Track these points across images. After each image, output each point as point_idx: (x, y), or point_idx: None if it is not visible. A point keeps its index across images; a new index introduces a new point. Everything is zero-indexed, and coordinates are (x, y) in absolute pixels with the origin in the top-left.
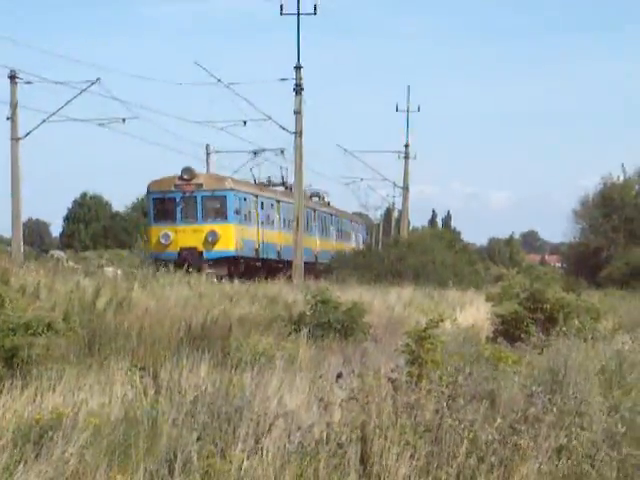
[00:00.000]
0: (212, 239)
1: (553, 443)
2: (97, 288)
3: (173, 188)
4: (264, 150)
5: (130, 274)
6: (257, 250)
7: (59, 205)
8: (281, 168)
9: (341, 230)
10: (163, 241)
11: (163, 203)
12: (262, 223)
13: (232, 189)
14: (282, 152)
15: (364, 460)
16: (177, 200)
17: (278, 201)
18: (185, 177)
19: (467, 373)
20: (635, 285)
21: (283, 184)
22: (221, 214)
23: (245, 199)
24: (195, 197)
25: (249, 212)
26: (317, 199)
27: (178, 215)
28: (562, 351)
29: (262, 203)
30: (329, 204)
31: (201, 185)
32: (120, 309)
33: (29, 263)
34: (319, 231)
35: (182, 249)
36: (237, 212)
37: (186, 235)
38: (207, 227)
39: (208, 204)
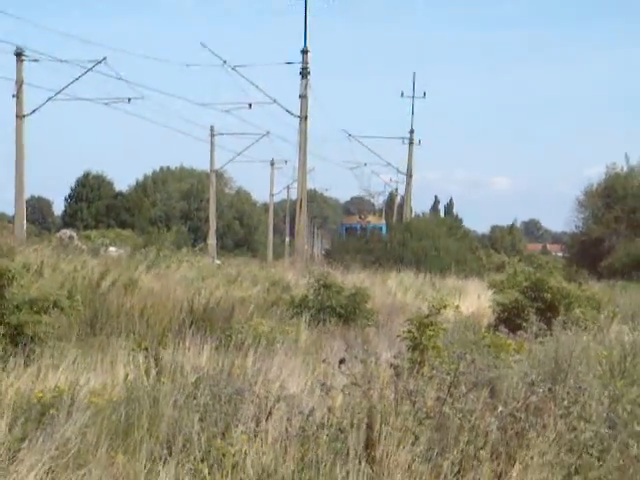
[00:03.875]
0: None
1: (554, 432)
2: (105, 269)
3: (356, 222)
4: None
5: (135, 255)
6: None
7: (62, 183)
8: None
9: None
10: None
11: (350, 230)
12: None
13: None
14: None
15: (368, 446)
16: (358, 229)
17: None
18: (361, 217)
19: (470, 361)
20: (636, 275)
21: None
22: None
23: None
24: (366, 227)
25: None
26: None
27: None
28: (562, 340)
29: None
30: None
31: (369, 221)
32: (124, 290)
33: (38, 241)
34: None
35: None
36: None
37: None
38: None
39: (374, 231)
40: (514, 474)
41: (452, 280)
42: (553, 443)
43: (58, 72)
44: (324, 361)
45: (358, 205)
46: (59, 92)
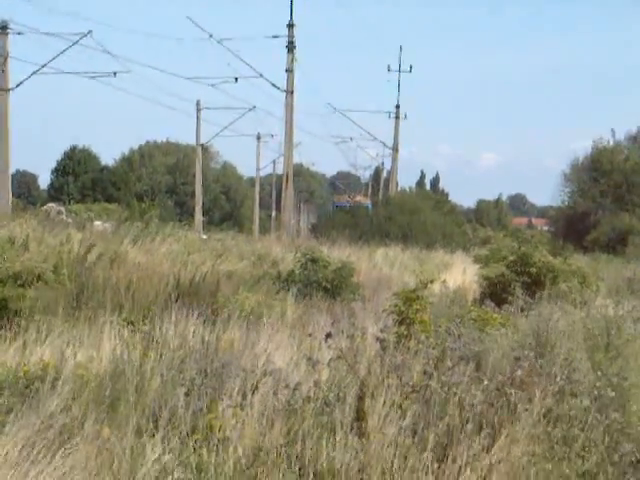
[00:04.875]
0: None
1: (540, 406)
2: (90, 243)
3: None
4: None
5: (120, 228)
6: None
7: (47, 158)
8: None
9: None
10: None
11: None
12: None
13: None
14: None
15: (359, 418)
16: (347, 207)
17: None
18: (350, 196)
19: (456, 335)
20: (621, 250)
21: None
22: None
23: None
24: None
25: None
26: None
27: None
28: (545, 314)
29: None
30: None
31: (358, 200)
32: (110, 264)
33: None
34: None
35: None
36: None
37: None
38: None
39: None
40: (500, 447)
41: (438, 254)
42: (538, 416)
43: (43, 46)
44: (310, 335)
45: (344, 180)
46: (44, 66)
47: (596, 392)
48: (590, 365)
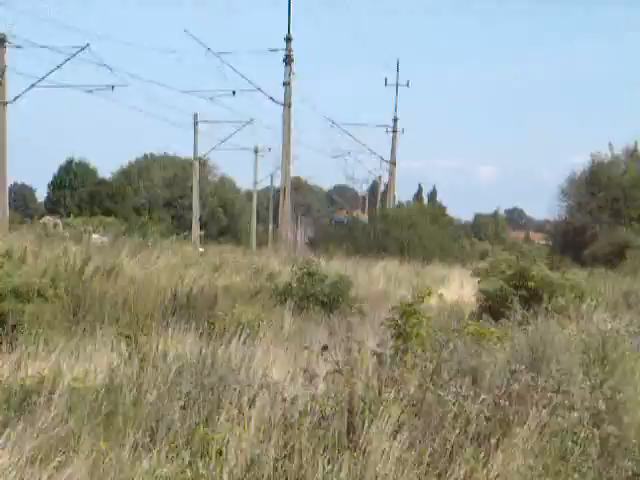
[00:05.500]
0: None
1: (537, 420)
2: (87, 256)
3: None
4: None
5: (118, 242)
6: None
7: (45, 171)
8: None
9: None
10: None
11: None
12: None
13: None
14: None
15: (349, 432)
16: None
17: None
18: (347, 212)
19: (452, 348)
20: (618, 264)
21: None
22: None
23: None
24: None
25: None
26: None
27: None
28: (541, 328)
29: None
30: None
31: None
32: (107, 277)
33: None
34: None
35: None
36: None
37: None
38: None
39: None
40: (498, 461)
41: (436, 268)
42: (536, 430)
43: (41, 59)
44: (307, 348)
45: (342, 193)
46: (42, 79)
47: (591, 405)
48: (586, 379)
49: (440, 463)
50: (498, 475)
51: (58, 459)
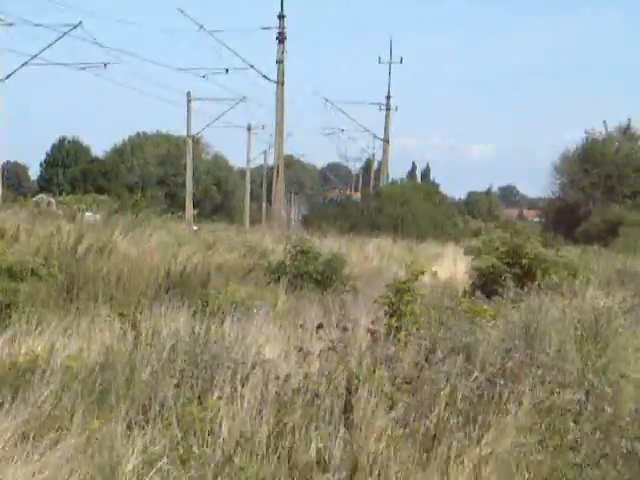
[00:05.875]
0: None
1: (531, 398)
2: (79, 234)
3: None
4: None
5: (111, 220)
6: None
7: (38, 149)
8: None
9: None
10: None
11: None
12: None
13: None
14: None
15: (346, 410)
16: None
17: None
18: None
19: (447, 326)
20: (611, 241)
21: None
22: None
23: None
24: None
25: None
26: None
27: None
28: (534, 306)
29: None
30: None
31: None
32: (100, 255)
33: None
34: None
35: None
36: None
37: None
38: None
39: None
40: (490, 438)
41: (429, 246)
42: (529, 408)
43: (34, 37)
44: (301, 326)
45: (335, 171)
46: (34, 57)
47: (586, 383)
48: (579, 356)
49: (433, 441)
50: (491, 452)
51: (51, 436)
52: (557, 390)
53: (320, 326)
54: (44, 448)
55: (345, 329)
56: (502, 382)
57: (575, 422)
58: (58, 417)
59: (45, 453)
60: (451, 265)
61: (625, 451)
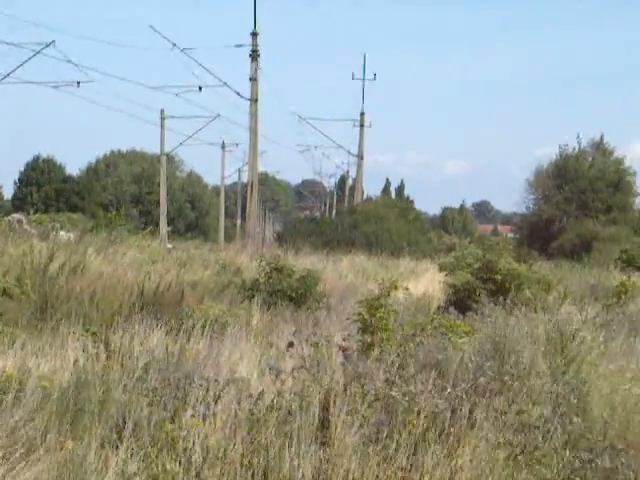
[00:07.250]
0: None
1: (501, 413)
2: (51, 252)
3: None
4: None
5: (84, 238)
6: None
7: (11, 168)
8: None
9: None
10: None
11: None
12: None
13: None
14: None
15: (323, 427)
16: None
17: None
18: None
19: (418, 342)
20: (586, 256)
21: None
22: None
23: None
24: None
25: None
26: None
27: None
28: (501, 322)
29: None
30: None
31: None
32: (73, 274)
33: None
34: None
35: None
36: None
37: None
38: None
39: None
40: (462, 455)
41: (404, 262)
42: (500, 424)
43: (5, 55)
44: (271, 345)
45: (310, 188)
46: (7, 75)
47: (555, 398)
48: (549, 371)
49: (406, 457)
50: (463, 468)
51: (25, 458)
52: (526, 407)
53: (291, 344)
54: (18, 469)
55: (316, 346)
56: (474, 398)
57: (543, 437)
58: (32, 438)
59: (19, 474)
60: (426, 281)
61: (594, 465)
